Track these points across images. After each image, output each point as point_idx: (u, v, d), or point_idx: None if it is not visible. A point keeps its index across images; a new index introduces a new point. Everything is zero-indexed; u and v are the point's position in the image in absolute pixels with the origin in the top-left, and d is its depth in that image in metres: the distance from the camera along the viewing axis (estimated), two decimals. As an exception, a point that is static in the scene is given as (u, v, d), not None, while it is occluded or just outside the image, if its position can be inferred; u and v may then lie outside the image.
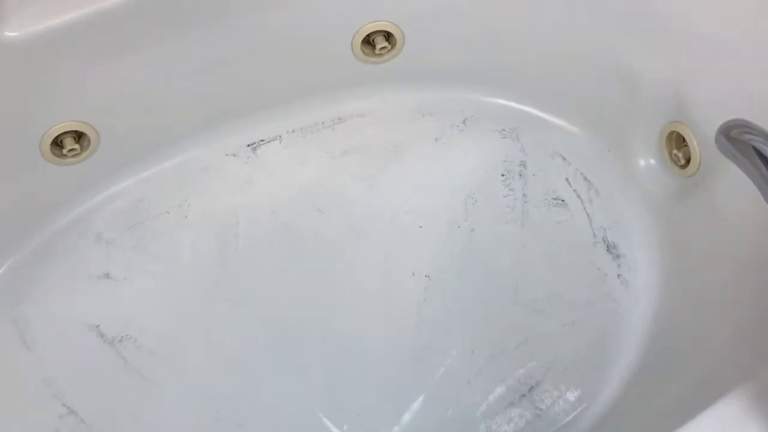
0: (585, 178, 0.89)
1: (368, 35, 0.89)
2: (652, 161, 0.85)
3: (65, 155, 0.85)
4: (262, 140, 0.94)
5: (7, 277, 0.86)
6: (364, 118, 0.95)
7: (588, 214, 0.87)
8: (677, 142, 0.82)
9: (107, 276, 0.87)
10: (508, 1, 0.85)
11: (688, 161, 0.80)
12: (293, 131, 0.95)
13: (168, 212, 0.90)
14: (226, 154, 0.93)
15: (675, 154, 0.81)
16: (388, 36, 0.90)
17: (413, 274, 0.84)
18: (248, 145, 0.94)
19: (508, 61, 0.92)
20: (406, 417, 0.77)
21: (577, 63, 0.88)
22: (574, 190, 0.88)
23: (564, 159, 0.90)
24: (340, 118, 0.95)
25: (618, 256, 0.84)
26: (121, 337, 0.83)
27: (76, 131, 0.85)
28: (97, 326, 0.84)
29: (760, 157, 0.44)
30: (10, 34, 0.72)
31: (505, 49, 0.91)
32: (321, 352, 0.81)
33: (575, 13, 0.84)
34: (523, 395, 0.78)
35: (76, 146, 0.85)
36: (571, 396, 0.78)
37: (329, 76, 0.92)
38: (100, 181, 0.90)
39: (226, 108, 0.92)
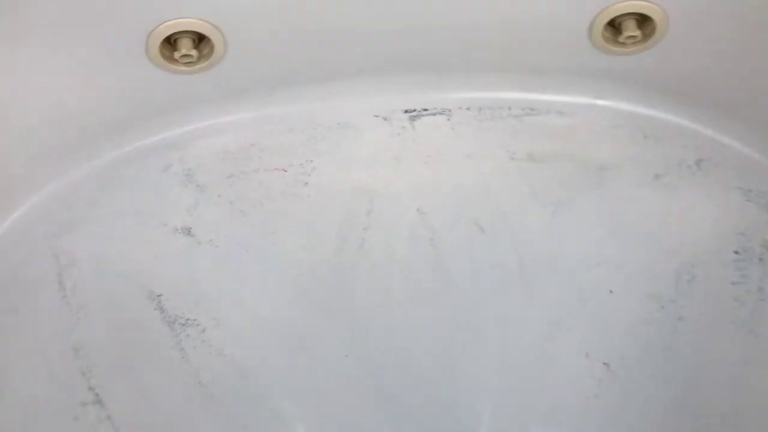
0: None
1: (617, 17, 0.64)
2: None
3: (176, 60, 0.63)
4: (426, 110, 0.71)
5: (61, 194, 0.66)
6: (565, 118, 0.71)
7: None
8: None
9: (188, 232, 0.65)
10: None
11: None
12: (468, 109, 0.71)
13: (285, 170, 0.68)
14: (376, 116, 0.70)
15: None
16: (642, 21, 0.64)
17: (587, 355, 0.62)
18: (406, 111, 0.71)
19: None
20: None
21: None
22: (834, 303, 0.64)
23: (826, 254, 0.66)
24: (533, 110, 0.71)
25: None
26: (186, 319, 0.62)
27: (196, 33, 0.62)
28: (159, 296, 0.63)
29: None
30: None
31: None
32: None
33: None
34: None
35: (193, 52, 0.63)
36: None
37: (546, 54, 0.67)
38: (210, 104, 0.68)
39: (395, 54, 0.68)
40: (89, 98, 0.64)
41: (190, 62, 0.63)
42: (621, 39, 0.65)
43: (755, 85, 0.67)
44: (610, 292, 0.64)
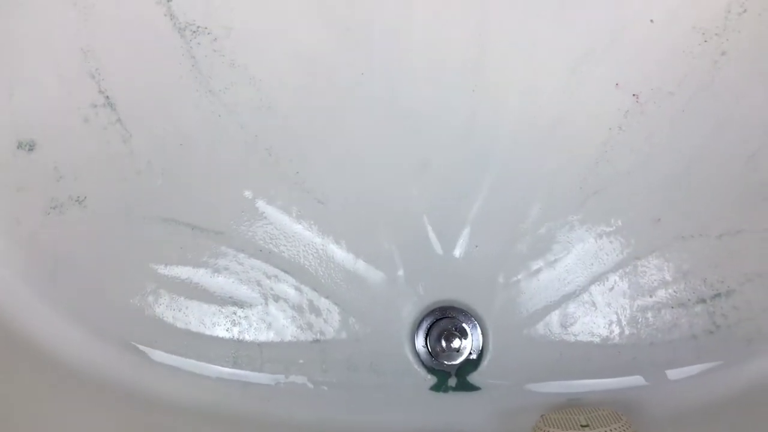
0: None
1: None
2: None
3: None
4: None
5: None
6: None
7: None
8: None
9: (198, -66, 0.61)
10: None
11: None
12: None
13: None
14: None
15: None
16: None
17: (617, 85, 0.59)
18: None
19: None
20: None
21: None
22: None
23: None
24: None
25: None
26: (198, 27, 0.61)
27: None
28: (169, 1, 0.61)
29: None
30: None
31: None
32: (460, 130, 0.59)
33: None
34: (702, 300, 0.58)
35: None
36: (766, 321, 0.57)
37: None
38: None
39: None
40: None
41: None
42: None
43: None
44: (651, 21, 0.60)
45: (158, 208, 0.59)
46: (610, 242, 0.58)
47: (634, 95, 0.59)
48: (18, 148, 0.60)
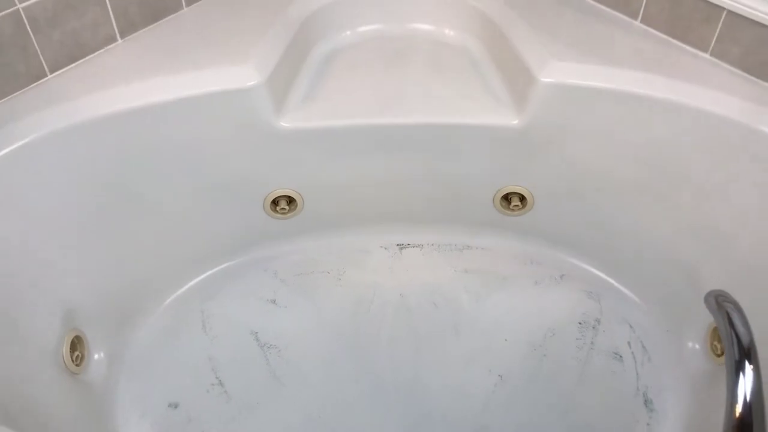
0: (643, 346, 1.16)
1: (507, 194, 1.24)
2: (698, 346, 1.11)
3: (277, 211, 1.24)
4: (409, 244, 1.30)
5: (209, 279, 1.24)
6: (486, 251, 1.29)
7: (637, 373, 1.13)
8: (719, 336, 1.08)
9: (273, 302, 1.22)
10: (630, 206, 1.18)
11: (723, 353, 1.06)
12: (432, 245, 1.30)
13: (329, 272, 1.26)
14: (380, 246, 1.29)
15: (714, 345, 1.07)
16: (522, 198, 1.25)
17: (490, 371, 1.13)
18: (398, 245, 1.30)
19: (611, 245, 1.23)
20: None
21: (661, 263, 1.18)
22: (632, 353, 1.15)
23: (631, 327, 1.18)
24: (468, 247, 1.29)
25: (652, 410, 1.09)
26: (271, 345, 1.17)
27: (289, 196, 1.24)
28: (256, 333, 1.18)
29: (728, 317, 0.72)
30: (284, 124, 1.13)
31: (611, 236, 1.22)
32: (403, 406, 1.09)
33: (664, 224, 1.15)
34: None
35: (286, 207, 1.24)
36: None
37: (472, 215, 1.27)
38: (292, 236, 1.28)
39: (393, 214, 1.29)
40: (227, 231, 1.25)
41: (284, 212, 1.25)
42: (511, 207, 1.25)
43: (593, 230, 1.24)
44: (505, 340, 1.16)
45: (242, 438, 1.07)
46: (492, 452, 1.05)
47: (499, 376, 1.12)
48: (168, 406, 1.10)
